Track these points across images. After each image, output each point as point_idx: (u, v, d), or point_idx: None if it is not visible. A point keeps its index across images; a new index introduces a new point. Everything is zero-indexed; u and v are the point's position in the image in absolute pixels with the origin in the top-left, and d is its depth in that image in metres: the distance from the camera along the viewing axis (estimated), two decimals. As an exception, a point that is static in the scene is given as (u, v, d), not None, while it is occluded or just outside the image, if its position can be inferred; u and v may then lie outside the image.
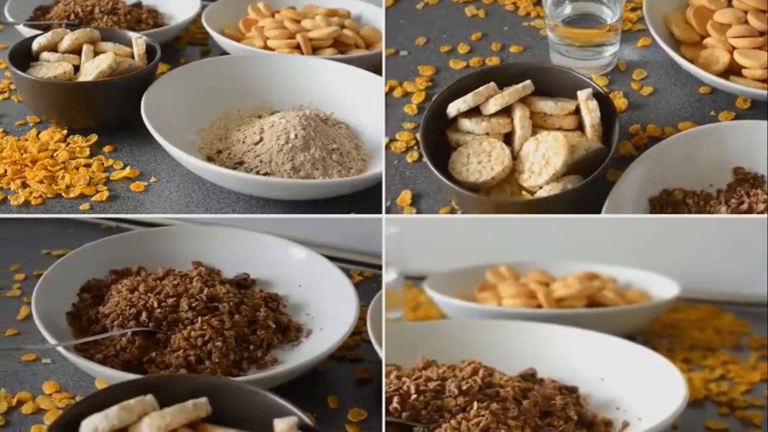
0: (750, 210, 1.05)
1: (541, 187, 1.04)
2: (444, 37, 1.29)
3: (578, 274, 1.30)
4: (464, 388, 0.87)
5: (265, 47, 1.36)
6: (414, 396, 0.86)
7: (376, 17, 1.43)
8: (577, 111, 1.09)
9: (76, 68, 1.23)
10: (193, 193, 1.11)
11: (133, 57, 1.25)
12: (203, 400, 0.88)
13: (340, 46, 1.37)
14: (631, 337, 1.04)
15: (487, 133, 1.07)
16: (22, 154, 1.16)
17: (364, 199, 1.09)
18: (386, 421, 0.84)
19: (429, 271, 1.36)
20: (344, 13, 1.45)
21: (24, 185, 1.12)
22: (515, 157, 1.06)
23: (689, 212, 1.07)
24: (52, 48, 1.25)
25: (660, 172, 1.09)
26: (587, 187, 1.03)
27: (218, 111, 1.22)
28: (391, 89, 1.21)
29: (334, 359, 1.08)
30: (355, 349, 1.10)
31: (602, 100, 1.08)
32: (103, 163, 1.16)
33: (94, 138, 1.20)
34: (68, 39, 1.24)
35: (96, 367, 0.97)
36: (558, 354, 1.02)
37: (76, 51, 1.24)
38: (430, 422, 0.85)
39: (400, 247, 1.25)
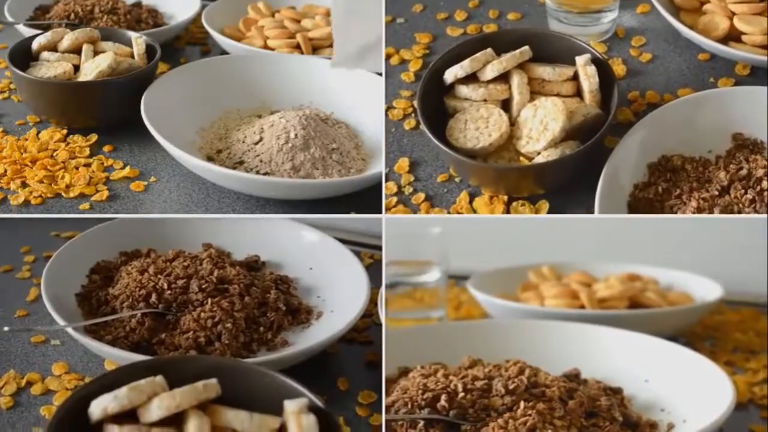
0: (749, 176, 1.05)
1: (539, 153, 1.04)
2: (441, 5, 1.28)
3: (620, 275, 1.30)
4: (511, 387, 0.88)
5: (265, 47, 1.36)
6: (461, 394, 0.87)
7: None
8: (575, 77, 1.08)
9: (76, 68, 1.23)
10: (193, 193, 1.11)
11: (133, 57, 1.25)
12: (213, 381, 0.88)
13: (340, 46, 1.37)
14: (672, 339, 1.03)
15: (485, 100, 1.07)
16: (21, 154, 1.16)
17: (364, 198, 1.09)
18: (434, 419, 0.85)
19: (469, 270, 1.36)
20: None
21: (24, 185, 1.12)
22: (513, 123, 1.06)
23: (688, 178, 1.08)
24: (52, 48, 1.25)
25: (659, 138, 1.09)
26: (585, 153, 1.03)
27: (218, 111, 1.22)
28: (389, 57, 1.21)
29: (345, 342, 1.07)
30: (365, 332, 1.10)
31: (601, 66, 1.08)
32: (102, 163, 1.16)
33: (93, 138, 1.20)
34: (68, 39, 1.24)
35: (105, 348, 0.97)
36: (601, 355, 1.02)
37: (76, 51, 1.24)
38: (476, 421, 0.85)
39: (443, 247, 1.26)
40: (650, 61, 1.19)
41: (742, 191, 1.04)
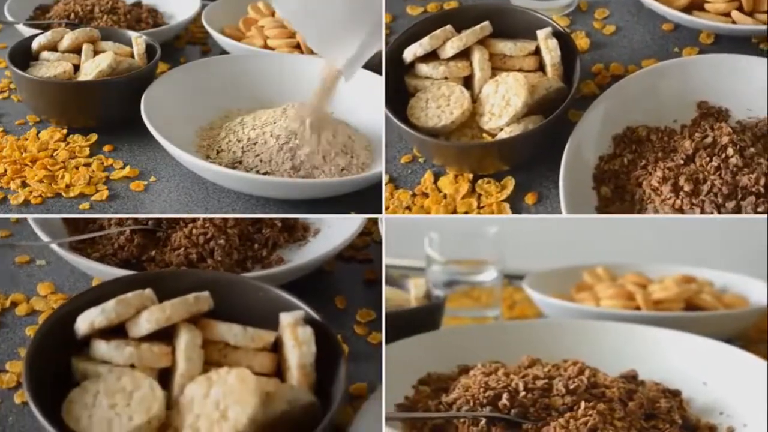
0: (714, 144, 1.05)
1: (502, 129, 1.04)
2: (402, -17, 1.27)
3: (675, 277, 1.29)
4: (571, 387, 0.87)
5: (265, 46, 1.36)
6: (522, 393, 0.87)
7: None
8: (537, 52, 1.08)
9: (76, 67, 1.23)
10: (193, 193, 1.11)
11: (132, 56, 1.25)
12: (205, 293, 0.86)
13: (340, 46, 1.37)
14: (727, 342, 1.02)
15: (446, 78, 1.06)
16: (21, 154, 1.16)
17: (365, 198, 1.09)
18: (495, 417, 0.85)
19: (520, 270, 1.37)
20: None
21: (24, 184, 1.12)
22: (475, 100, 1.06)
23: (653, 148, 1.08)
24: (52, 47, 1.25)
25: (623, 109, 1.09)
26: (549, 127, 1.03)
27: (218, 110, 1.22)
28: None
29: (342, 260, 1.06)
30: (364, 250, 1.09)
31: (562, 39, 1.08)
32: (102, 163, 1.16)
33: (93, 137, 1.20)
34: (68, 38, 1.24)
35: (93, 264, 0.94)
36: (658, 356, 1.01)
37: (76, 50, 1.24)
38: (537, 420, 0.85)
39: (499, 247, 1.26)
40: (614, 33, 1.19)
41: (708, 159, 1.04)
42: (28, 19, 1.47)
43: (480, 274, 1.26)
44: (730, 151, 1.04)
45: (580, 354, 0.97)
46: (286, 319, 0.86)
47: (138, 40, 1.25)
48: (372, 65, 1.25)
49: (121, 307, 0.85)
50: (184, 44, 1.48)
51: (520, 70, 1.08)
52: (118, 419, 0.80)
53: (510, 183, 1.08)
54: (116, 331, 0.86)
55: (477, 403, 0.86)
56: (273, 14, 1.44)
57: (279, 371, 0.89)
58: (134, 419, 0.79)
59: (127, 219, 1.00)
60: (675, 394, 0.95)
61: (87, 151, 1.18)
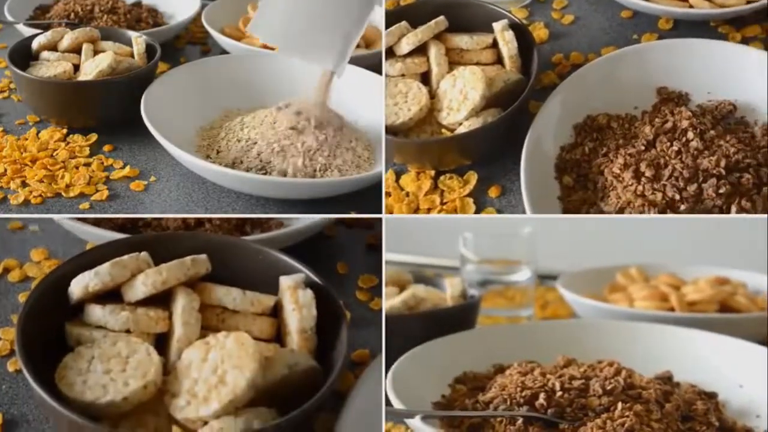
0: (674, 128, 1.06)
1: (461, 124, 1.04)
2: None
3: (709, 278, 1.29)
4: (608, 388, 0.87)
5: (265, 46, 1.36)
6: (559, 393, 0.87)
7: (376, 17, 1.42)
8: (495, 44, 1.08)
9: (76, 67, 1.23)
10: (193, 192, 1.11)
11: (132, 56, 1.25)
12: (203, 256, 0.85)
13: (340, 46, 1.37)
14: (761, 344, 1.02)
15: (403, 74, 1.06)
16: (21, 154, 1.16)
17: (365, 198, 1.09)
18: (532, 417, 0.85)
19: (551, 270, 1.37)
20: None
21: (24, 184, 1.12)
22: (433, 95, 1.06)
23: (614, 135, 1.08)
24: (52, 47, 1.25)
25: (582, 98, 1.09)
26: (508, 119, 1.03)
27: (218, 110, 1.22)
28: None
29: (344, 225, 1.05)
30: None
31: (519, 30, 1.08)
32: (102, 163, 1.16)
33: (93, 137, 1.20)
34: (68, 38, 1.24)
35: (87, 228, 0.93)
36: (693, 358, 1.01)
37: (76, 50, 1.24)
38: (574, 420, 0.85)
39: (533, 247, 1.27)
40: (573, 23, 1.19)
41: (668, 144, 1.04)
42: (28, 19, 1.47)
43: (514, 274, 1.27)
44: (690, 134, 1.04)
45: (613, 355, 0.97)
46: (285, 282, 0.84)
47: (138, 40, 1.25)
48: (372, 65, 1.25)
49: (116, 270, 0.83)
50: (184, 44, 1.48)
51: (477, 63, 1.08)
52: (114, 384, 0.78)
53: (473, 177, 1.08)
54: (111, 296, 0.85)
55: (514, 402, 0.86)
56: (273, 14, 1.44)
57: (279, 337, 0.88)
58: (130, 384, 0.78)
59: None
60: (711, 396, 0.95)
61: (87, 150, 1.18)
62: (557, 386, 0.87)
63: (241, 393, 0.77)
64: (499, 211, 1.09)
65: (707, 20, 1.21)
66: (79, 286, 0.84)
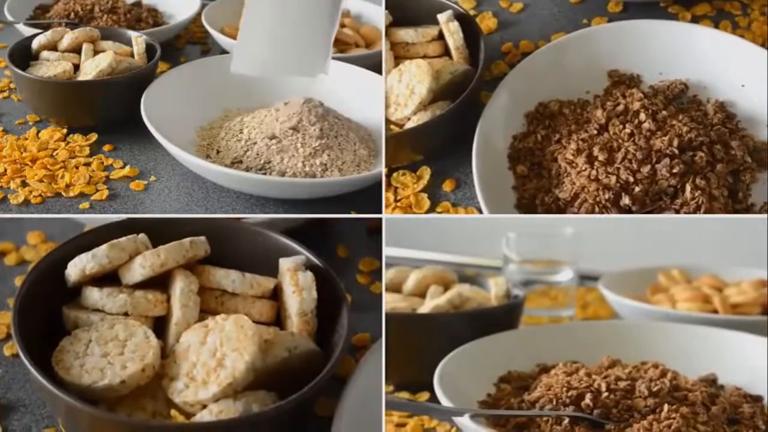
0: (626, 111, 1.06)
1: (409, 119, 1.03)
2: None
3: (752, 281, 1.28)
4: (654, 389, 0.87)
5: (265, 46, 1.36)
6: (605, 394, 0.87)
7: (376, 16, 1.43)
8: (441, 36, 1.08)
9: (76, 67, 1.23)
10: (193, 192, 1.11)
11: (132, 56, 1.25)
12: (201, 238, 0.84)
13: (339, 45, 1.37)
14: None
15: None
16: (21, 153, 1.16)
17: (365, 198, 1.09)
18: (578, 417, 0.85)
19: (593, 270, 1.37)
20: (344, 11, 1.45)
21: (24, 184, 1.12)
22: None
23: (566, 121, 1.08)
24: (52, 47, 1.25)
25: (532, 86, 1.09)
26: (458, 112, 1.03)
27: (218, 110, 1.22)
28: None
29: None
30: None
31: (465, 21, 1.08)
32: (102, 162, 1.16)
33: (93, 137, 1.20)
34: (68, 38, 1.24)
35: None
36: (737, 361, 1.00)
37: (76, 50, 1.24)
38: (620, 421, 0.85)
39: (575, 247, 1.27)
40: (522, 11, 1.19)
41: (621, 126, 1.04)
42: (28, 19, 1.47)
43: (556, 274, 1.27)
44: (642, 116, 1.04)
45: (656, 356, 0.97)
46: (285, 264, 0.84)
47: (138, 40, 1.25)
48: (372, 65, 1.25)
49: (114, 252, 0.82)
50: (184, 44, 1.48)
51: (424, 56, 1.08)
52: (111, 368, 0.78)
53: (426, 173, 1.08)
54: (109, 279, 0.84)
55: (560, 402, 0.87)
56: (273, 14, 1.44)
57: (279, 320, 0.87)
58: (128, 367, 0.78)
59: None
60: (756, 399, 0.94)
61: (87, 150, 1.18)
62: (603, 387, 0.87)
63: (240, 376, 0.77)
64: (454, 205, 1.09)
65: (657, 1, 1.21)
66: (76, 268, 0.83)
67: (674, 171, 1.00)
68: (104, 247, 0.82)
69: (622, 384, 0.88)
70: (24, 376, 0.91)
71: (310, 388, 0.78)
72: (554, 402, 0.87)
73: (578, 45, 1.11)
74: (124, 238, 0.83)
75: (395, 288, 1.13)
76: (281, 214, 1.10)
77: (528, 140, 1.08)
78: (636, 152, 1.01)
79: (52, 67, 1.21)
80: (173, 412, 0.78)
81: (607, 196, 1.00)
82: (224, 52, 1.39)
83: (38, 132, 1.21)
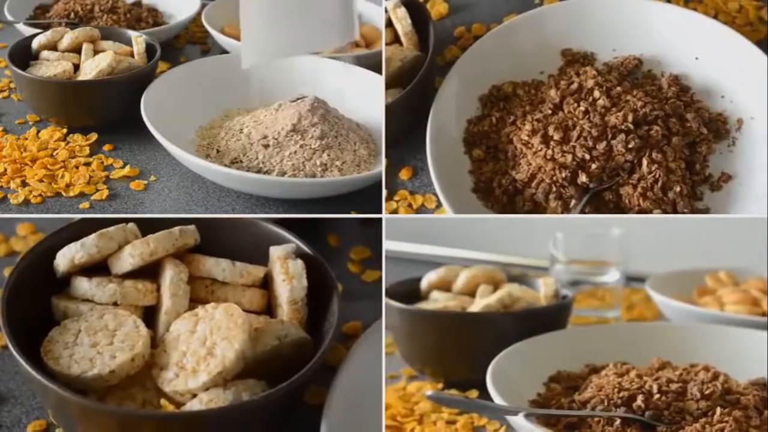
0: (580, 89, 1.05)
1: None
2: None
3: None
4: (706, 392, 0.87)
5: (265, 46, 1.35)
6: (657, 396, 0.87)
7: (376, 16, 1.42)
8: (390, 23, 1.08)
9: (76, 67, 1.23)
10: (193, 192, 1.11)
11: (132, 56, 1.25)
12: (191, 227, 0.84)
13: (339, 45, 1.36)
14: None
15: None
16: (21, 153, 1.16)
17: (365, 198, 1.09)
18: (630, 418, 0.85)
19: (638, 271, 1.36)
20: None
21: (24, 184, 1.12)
22: None
23: (521, 103, 1.08)
24: (52, 47, 1.25)
25: (485, 69, 1.09)
26: (409, 99, 1.03)
27: (218, 110, 1.21)
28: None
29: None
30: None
31: (413, 7, 1.08)
32: (102, 162, 1.16)
33: (93, 137, 1.20)
34: (68, 38, 1.24)
35: None
36: None
37: (76, 50, 1.24)
38: (671, 423, 0.85)
39: (623, 248, 1.27)
40: None
41: (575, 105, 1.04)
42: (28, 19, 1.47)
43: (603, 275, 1.28)
44: (596, 93, 1.05)
45: (704, 358, 0.97)
46: (276, 252, 0.83)
47: (138, 40, 1.25)
48: (372, 65, 1.25)
49: (103, 241, 0.81)
50: (184, 44, 1.48)
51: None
52: (101, 357, 0.77)
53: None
54: (98, 269, 0.84)
55: (611, 403, 0.87)
56: (273, 14, 1.44)
57: (270, 309, 0.87)
58: (117, 357, 0.77)
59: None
60: None
61: (87, 150, 1.18)
62: (655, 389, 0.87)
63: (230, 365, 0.76)
64: (411, 193, 1.09)
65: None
66: (65, 258, 0.82)
67: (630, 146, 1.00)
68: (93, 236, 0.82)
69: (673, 386, 0.88)
70: (13, 368, 0.91)
71: (299, 377, 0.78)
72: (605, 403, 0.87)
73: (529, 25, 1.10)
74: (112, 228, 0.83)
75: (445, 287, 1.14)
76: (281, 214, 1.10)
77: (483, 123, 1.08)
78: (591, 129, 1.01)
79: (52, 66, 1.21)
80: (163, 401, 0.78)
81: (563, 175, 1.00)
82: (224, 52, 1.39)
83: (38, 132, 1.21)
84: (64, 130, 1.20)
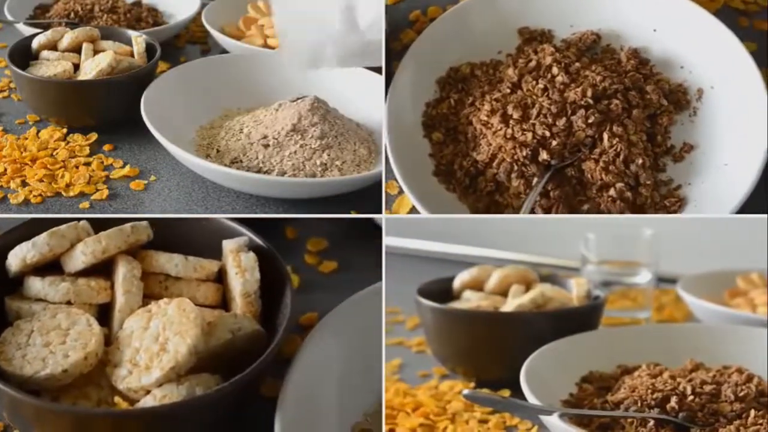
0: (538, 66, 1.05)
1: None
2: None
3: None
4: (740, 394, 0.87)
5: (266, 46, 1.36)
6: (690, 397, 0.86)
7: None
8: None
9: (76, 67, 1.23)
10: (193, 192, 1.11)
11: (132, 55, 1.25)
12: (143, 223, 0.84)
13: (340, 45, 1.36)
14: None
15: None
16: (21, 153, 1.16)
17: (365, 197, 1.09)
18: (663, 420, 0.85)
19: (667, 272, 1.37)
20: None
21: (24, 184, 1.12)
22: None
23: (479, 83, 1.08)
24: (52, 46, 1.25)
25: (441, 51, 1.08)
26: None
27: (218, 109, 1.21)
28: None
29: None
30: None
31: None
32: (102, 162, 1.16)
33: (93, 136, 1.20)
34: (68, 37, 1.24)
35: None
36: None
37: (76, 49, 1.24)
38: (705, 425, 0.85)
39: (654, 249, 1.27)
40: None
41: (534, 83, 1.04)
42: (28, 19, 1.47)
43: (635, 275, 1.28)
44: (555, 70, 1.05)
45: (737, 360, 0.96)
46: (228, 245, 0.83)
47: (138, 40, 1.25)
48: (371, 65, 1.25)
49: (55, 240, 0.81)
50: (184, 43, 1.48)
51: None
52: (53, 357, 0.77)
53: None
54: (51, 268, 0.83)
55: (644, 404, 0.86)
56: (273, 13, 1.44)
57: (225, 303, 0.87)
58: (70, 356, 0.77)
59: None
60: None
61: (87, 150, 1.18)
62: (688, 390, 0.87)
63: (182, 360, 0.76)
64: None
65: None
66: (16, 258, 0.82)
67: (590, 121, 1.01)
68: (44, 235, 0.81)
69: (707, 388, 0.87)
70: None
71: (252, 370, 0.77)
72: (639, 404, 0.86)
73: (485, 5, 1.10)
74: (64, 226, 0.83)
75: (477, 286, 1.15)
76: (281, 214, 1.10)
77: (441, 106, 1.08)
78: (550, 106, 1.01)
79: (52, 66, 1.21)
80: (117, 399, 0.78)
81: (524, 153, 1.00)
82: (224, 51, 1.39)
83: (38, 132, 1.21)
84: (64, 130, 1.20)
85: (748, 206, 0.99)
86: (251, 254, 0.84)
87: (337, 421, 0.84)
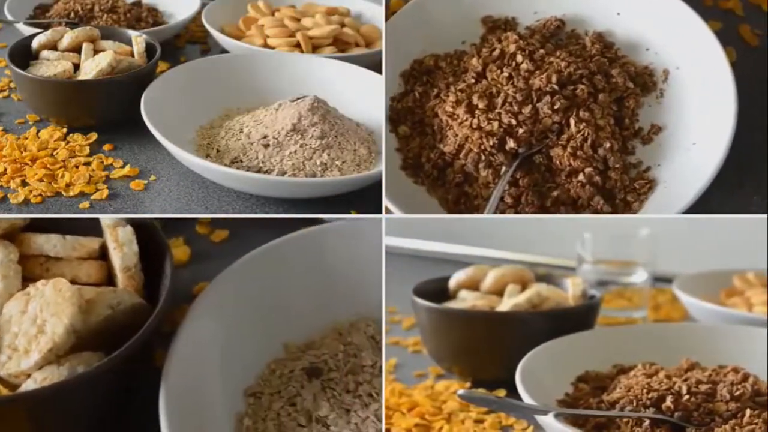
0: (503, 55, 1.05)
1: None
2: None
3: None
4: (736, 393, 0.87)
5: (265, 45, 1.36)
6: (686, 397, 0.86)
7: (376, 15, 1.43)
8: None
9: (76, 67, 1.23)
10: (193, 192, 1.11)
11: (132, 55, 1.25)
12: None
13: (340, 45, 1.37)
14: None
15: None
16: (21, 153, 1.16)
17: (365, 197, 1.09)
18: (659, 419, 0.85)
19: (663, 272, 1.37)
20: (344, 11, 1.45)
21: (24, 184, 1.12)
22: None
23: (444, 75, 1.07)
24: (52, 46, 1.25)
25: (404, 44, 1.08)
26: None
27: (218, 109, 1.22)
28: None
29: None
30: None
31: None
32: (102, 162, 1.16)
33: (93, 136, 1.20)
34: (68, 37, 1.24)
35: None
36: None
37: (76, 49, 1.24)
38: (701, 425, 0.85)
39: (650, 249, 1.28)
40: None
41: (498, 71, 1.04)
42: (28, 18, 1.47)
43: (631, 275, 1.28)
44: (519, 58, 1.05)
45: (733, 359, 0.96)
46: (105, 221, 0.83)
47: (138, 39, 1.25)
48: (372, 65, 1.25)
49: None
50: (184, 43, 1.48)
51: None
52: None
53: None
54: None
55: (640, 404, 0.87)
56: (273, 13, 1.44)
57: (111, 280, 0.86)
58: None
59: None
60: None
61: (87, 150, 1.18)
62: (684, 390, 0.87)
63: (60, 340, 0.75)
64: None
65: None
66: None
67: (556, 107, 1.01)
68: None
69: (702, 387, 0.88)
70: None
71: (132, 343, 0.76)
72: (634, 403, 0.87)
73: None
74: None
75: (473, 286, 1.15)
76: (281, 214, 1.10)
77: (406, 100, 1.08)
78: (516, 94, 1.01)
79: (52, 66, 1.21)
80: None
81: (491, 143, 1.00)
82: (224, 51, 1.39)
83: (38, 131, 1.21)
84: (64, 130, 1.21)
85: (716, 183, 0.98)
86: (128, 228, 0.83)
87: (221, 387, 0.83)
